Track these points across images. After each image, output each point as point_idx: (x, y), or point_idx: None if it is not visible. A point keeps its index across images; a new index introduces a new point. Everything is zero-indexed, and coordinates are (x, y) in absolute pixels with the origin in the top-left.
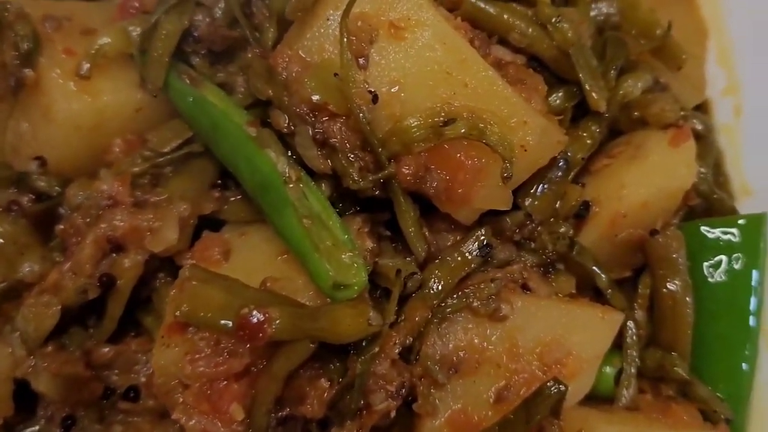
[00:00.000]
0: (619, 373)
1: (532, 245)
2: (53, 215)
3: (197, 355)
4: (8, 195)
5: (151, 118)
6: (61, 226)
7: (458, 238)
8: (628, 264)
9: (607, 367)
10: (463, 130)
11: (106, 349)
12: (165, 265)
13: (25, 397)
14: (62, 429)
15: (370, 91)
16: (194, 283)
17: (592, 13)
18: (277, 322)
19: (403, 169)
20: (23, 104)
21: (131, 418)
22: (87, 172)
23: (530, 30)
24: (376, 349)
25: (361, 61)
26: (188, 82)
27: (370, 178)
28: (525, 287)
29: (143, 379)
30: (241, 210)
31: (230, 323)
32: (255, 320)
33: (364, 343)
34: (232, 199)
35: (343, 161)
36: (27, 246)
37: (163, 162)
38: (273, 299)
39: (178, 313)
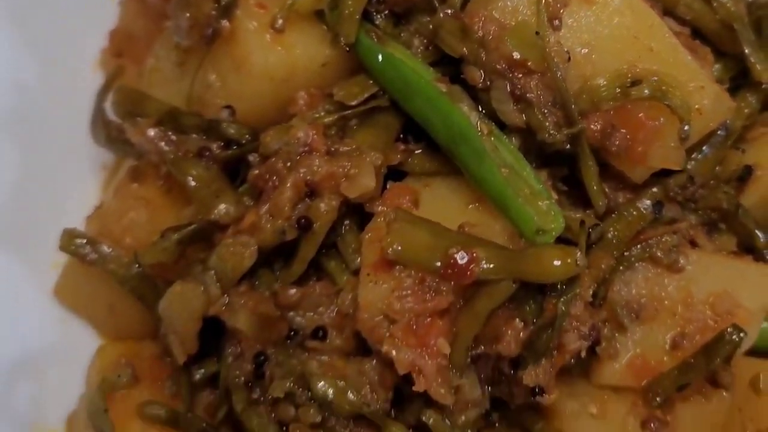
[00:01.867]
0: None
1: (693, 206)
2: (240, 163)
3: (404, 292)
4: (198, 141)
5: (336, 73)
6: (256, 171)
7: (627, 196)
8: None
9: (765, 323)
10: (647, 92)
11: (293, 291)
12: (350, 212)
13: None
14: (254, 365)
15: (565, 51)
16: (400, 224)
17: None
18: (484, 261)
19: (592, 126)
20: (214, 55)
21: (319, 357)
22: (272, 123)
23: (695, 4)
24: (577, 290)
25: (555, 22)
26: (375, 40)
27: (565, 132)
28: (693, 243)
29: (327, 321)
30: (425, 162)
31: (439, 263)
32: (462, 260)
33: (559, 286)
34: (416, 151)
35: (539, 116)
36: (221, 190)
37: (349, 114)
38: (477, 241)
39: (390, 251)
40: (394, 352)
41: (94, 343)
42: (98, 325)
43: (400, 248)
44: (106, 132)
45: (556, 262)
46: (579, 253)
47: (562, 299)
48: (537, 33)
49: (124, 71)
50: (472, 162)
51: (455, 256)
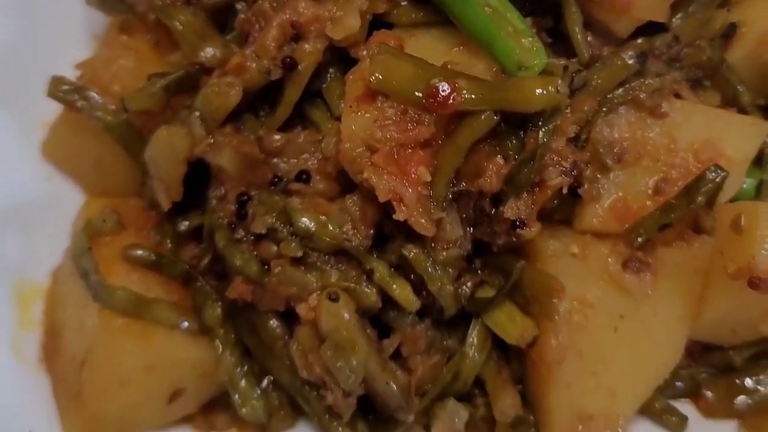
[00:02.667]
0: (759, 186)
1: (678, 65)
2: (229, 12)
3: (386, 122)
4: None
5: None
6: (243, 16)
7: (612, 50)
8: (765, 90)
9: (748, 180)
10: None
11: (278, 137)
12: (335, 59)
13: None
14: (237, 204)
15: None
16: (384, 56)
17: None
18: (465, 91)
19: None
20: None
21: (302, 197)
22: None
23: None
24: (558, 121)
25: None
26: None
27: None
28: (677, 96)
29: (311, 167)
30: (411, 12)
31: (421, 93)
32: (444, 90)
33: (541, 121)
34: (403, 3)
35: None
36: (207, 35)
37: None
38: (460, 74)
39: (372, 79)
40: (374, 179)
41: (81, 200)
42: (85, 181)
43: (381, 77)
44: None
45: (538, 90)
46: (560, 81)
47: (542, 130)
48: None
49: None
50: (456, 3)
51: (437, 85)
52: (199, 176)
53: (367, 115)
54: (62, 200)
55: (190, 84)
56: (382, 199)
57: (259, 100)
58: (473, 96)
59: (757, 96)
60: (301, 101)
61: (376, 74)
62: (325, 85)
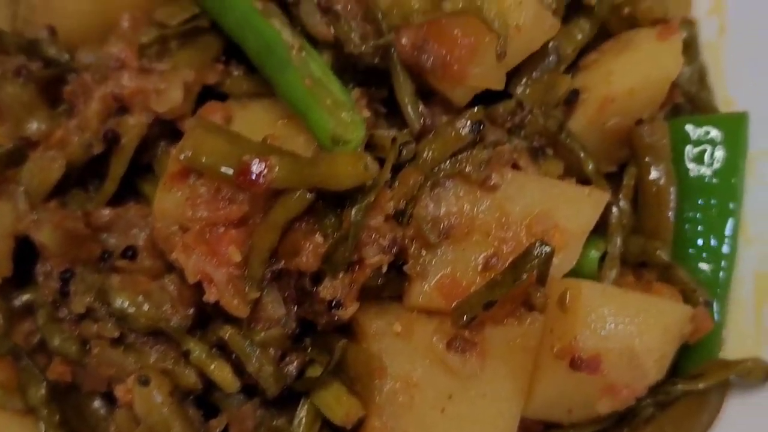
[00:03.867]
0: (603, 256)
1: (522, 133)
2: (61, 83)
3: (198, 200)
4: (18, 61)
5: None
6: (69, 88)
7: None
8: (614, 158)
9: (592, 251)
10: (461, 5)
11: (106, 212)
12: (166, 132)
13: (23, 263)
14: (61, 282)
15: None
16: (199, 131)
17: None
18: (277, 169)
19: (402, 40)
20: None
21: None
22: (95, 44)
23: None
24: (372, 198)
25: None
26: None
27: (371, 44)
28: (515, 167)
29: (141, 243)
30: (243, 83)
31: (231, 170)
32: (255, 167)
33: (359, 197)
34: (235, 73)
35: (345, 27)
36: (34, 107)
37: (169, 34)
38: (273, 150)
39: (182, 157)
40: (183, 259)
41: None
42: None
43: (190, 154)
44: None
45: (348, 168)
46: (369, 158)
47: (355, 208)
48: None
49: None
50: (276, 73)
51: (249, 163)
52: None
53: (179, 193)
54: None
55: (19, 157)
56: (191, 280)
57: (88, 173)
58: (285, 173)
59: (606, 163)
60: (133, 174)
61: (187, 151)
62: (155, 160)
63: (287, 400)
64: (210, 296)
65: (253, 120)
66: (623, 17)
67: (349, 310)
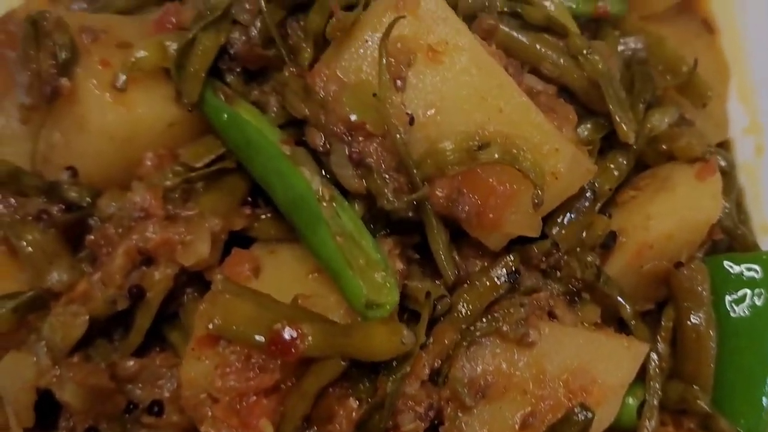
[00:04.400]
0: (642, 405)
1: (558, 274)
2: (83, 226)
3: (228, 369)
4: (38, 204)
5: (184, 133)
6: (92, 237)
7: (486, 264)
8: (651, 297)
9: (630, 399)
10: (496, 155)
11: (131, 363)
12: (193, 280)
13: (45, 410)
14: None
15: (408, 114)
16: (227, 296)
17: (620, 48)
18: (310, 338)
19: (437, 192)
20: (57, 114)
21: None
22: (118, 184)
23: (561, 60)
24: (407, 369)
25: (398, 83)
26: (223, 98)
27: (405, 199)
28: (551, 315)
29: (167, 394)
30: (271, 228)
31: (263, 338)
32: (287, 336)
33: (394, 363)
34: (263, 216)
35: (378, 181)
36: (56, 255)
37: (194, 177)
38: (305, 315)
39: (210, 326)
40: None
41: None
42: None
43: (220, 322)
44: None
45: (382, 341)
46: (405, 331)
47: (392, 378)
48: (374, 95)
49: None
50: (307, 228)
51: (280, 331)
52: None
53: (207, 362)
54: None
55: (41, 305)
56: None
57: (113, 323)
58: (318, 342)
59: (643, 302)
60: (160, 321)
61: (215, 319)
62: (181, 308)
63: None
64: None
65: (283, 272)
66: (660, 152)
67: None
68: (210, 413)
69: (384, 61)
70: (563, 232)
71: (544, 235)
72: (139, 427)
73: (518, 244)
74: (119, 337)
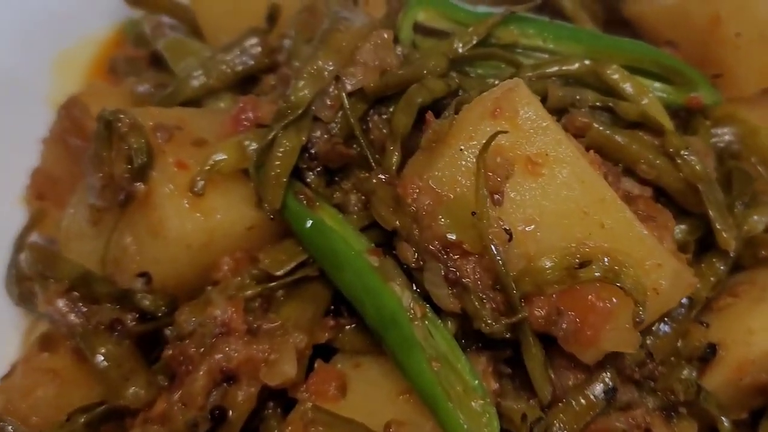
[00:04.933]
0: None
1: (652, 384)
2: (157, 336)
3: None
4: (111, 312)
5: (263, 236)
6: (170, 352)
7: (578, 376)
8: (747, 406)
9: None
10: (598, 273)
11: None
12: (274, 395)
13: None
14: None
15: (506, 230)
16: (320, 427)
17: (713, 140)
18: None
19: (535, 311)
20: (130, 217)
21: None
22: (192, 288)
23: (658, 161)
24: None
25: (495, 197)
26: (305, 202)
27: (504, 322)
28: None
29: None
30: (355, 339)
31: None
32: None
33: None
34: (347, 327)
35: (476, 302)
36: (132, 370)
37: (275, 286)
38: None
39: None
40: None
41: None
42: None
43: None
44: (20, 290)
45: None
46: None
47: None
48: (473, 213)
49: (46, 215)
50: (401, 351)
51: None
52: None
53: None
54: None
55: (116, 418)
56: None
57: None
58: None
59: (738, 411)
60: None
61: None
62: (262, 424)
63: None
64: None
65: (373, 391)
66: (759, 258)
67: None
68: None
69: (482, 174)
70: (658, 341)
71: None
72: None
73: (611, 354)
74: None
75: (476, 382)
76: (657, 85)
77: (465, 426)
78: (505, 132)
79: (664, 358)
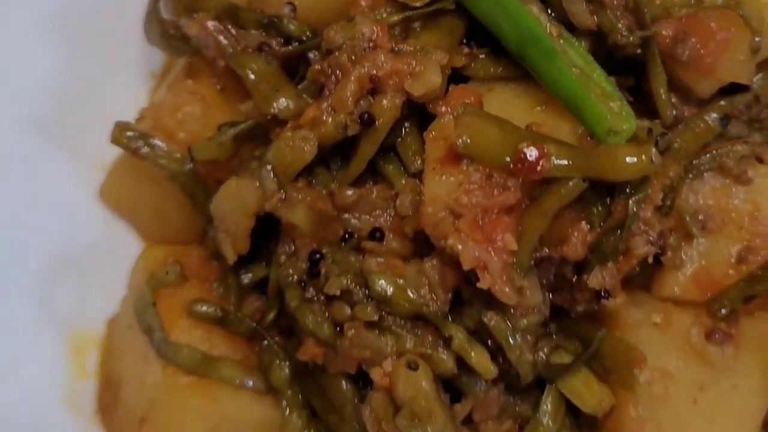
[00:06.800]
0: None
1: (758, 126)
2: (301, 60)
3: (471, 186)
4: (258, 37)
5: None
6: (317, 67)
7: (692, 111)
8: None
9: None
10: (720, 0)
11: (350, 192)
12: (411, 114)
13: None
14: (309, 263)
15: None
16: (472, 117)
17: None
18: (554, 158)
19: (663, 31)
20: None
21: (376, 257)
22: (331, 23)
23: None
24: (648, 191)
25: None
26: None
27: (638, 34)
28: (759, 161)
29: (384, 224)
30: (489, 66)
31: (508, 158)
32: (532, 156)
33: (628, 188)
34: (481, 56)
35: (611, 17)
36: (280, 84)
37: (413, 16)
38: (547, 138)
39: (459, 142)
40: (459, 247)
41: (137, 247)
42: (143, 228)
43: (469, 141)
44: (161, 29)
45: (631, 159)
46: (654, 150)
47: (633, 199)
48: None
49: None
50: (542, 63)
51: (525, 151)
52: (262, 228)
53: (452, 178)
54: (119, 246)
55: (260, 134)
56: (466, 267)
57: (331, 152)
58: (563, 162)
59: None
60: (374, 155)
61: (464, 137)
62: (399, 140)
63: (528, 386)
64: (484, 283)
65: (506, 105)
66: None
67: (618, 300)
68: (454, 228)
69: None
70: (765, 83)
71: (744, 88)
72: (357, 254)
73: (720, 96)
74: (337, 167)
75: (612, 87)
76: None
77: (609, 118)
78: None
79: None
